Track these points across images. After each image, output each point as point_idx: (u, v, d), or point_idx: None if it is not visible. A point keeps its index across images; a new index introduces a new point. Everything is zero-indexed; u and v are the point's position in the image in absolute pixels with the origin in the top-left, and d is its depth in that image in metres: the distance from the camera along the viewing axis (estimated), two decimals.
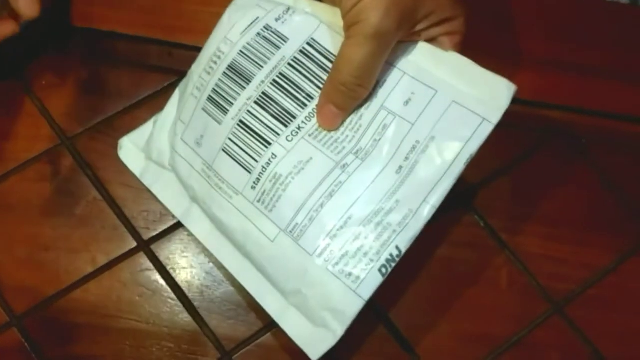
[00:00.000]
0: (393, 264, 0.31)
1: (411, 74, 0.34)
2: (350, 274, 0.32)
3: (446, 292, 0.42)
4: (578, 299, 0.42)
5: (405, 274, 0.42)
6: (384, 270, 0.31)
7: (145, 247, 0.43)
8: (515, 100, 0.46)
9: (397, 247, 0.31)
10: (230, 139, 0.35)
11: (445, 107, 0.33)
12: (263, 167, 0.34)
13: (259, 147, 0.34)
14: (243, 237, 0.35)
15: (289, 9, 0.36)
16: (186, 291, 0.42)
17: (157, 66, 0.48)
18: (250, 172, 0.34)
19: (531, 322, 0.42)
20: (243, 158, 0.35)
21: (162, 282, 0.42)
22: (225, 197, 0.35)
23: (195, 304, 0.41)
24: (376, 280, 0.31)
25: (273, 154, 0.34)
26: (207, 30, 0.39)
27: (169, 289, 0.42)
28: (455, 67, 0.33)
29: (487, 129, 0.32)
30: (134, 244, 0.43)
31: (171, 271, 0.42)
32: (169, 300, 0.41)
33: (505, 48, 0.48)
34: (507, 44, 0.48)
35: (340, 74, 0.33)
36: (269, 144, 0.34)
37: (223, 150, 0.36)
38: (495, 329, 0.41)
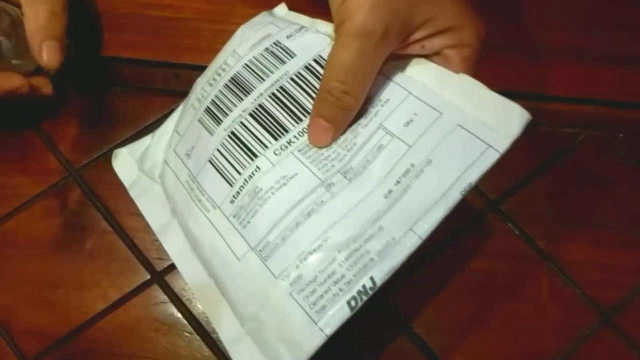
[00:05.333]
0: (365, 297, 0.28)
1: (416, 93, 0.31)
2: (314, 303, 0.28)
3: (484, 308, 0.39)
4: (628, 307, 0.39)
5: (438, 291, 0.40)
6: (353, 303, 0.27)
7: (159, 278, 0.40)
8: (544, 97, 0.44)
9: (371, 279, 0.28)
10: (218, 150, 0.33)
11: (449, 131, 0.29)
12: (245, 180, 0.32)
13: (244, 159, 0.32)
14: (211, 253, 0.32)
15: (302, 27, 0.35)
16: (204, 323, 0.39)
17: (163, 89, 0.46)
18: (231, 185, 0.32)
19: (579, 336, 0.38)
20: (227, 170, 0.33)
21: (178, 315, 0.39)
22: (203, 211, 0.33)
23: (214, 336, 0.39)
24: (343, 313, 0.27)
25: (257, 166, 0.32)
26: (212, 48, 0.37)
27: (185, 322, 0.39)
28: (464, 89, 0.30)
29: (492, 157, 0.28)
30: (147, 276, 0.40)
31: (187, 303, 0.40)
32: (186, 334, 0.39)
33: (527, 46, 0.45)
34: (529, 42, 0.45)
35: (326, 80, 0.30)
36: (255, 156, 0.32)
37: (209, 161, 0.33)
38: (539, 345, 0.38)
